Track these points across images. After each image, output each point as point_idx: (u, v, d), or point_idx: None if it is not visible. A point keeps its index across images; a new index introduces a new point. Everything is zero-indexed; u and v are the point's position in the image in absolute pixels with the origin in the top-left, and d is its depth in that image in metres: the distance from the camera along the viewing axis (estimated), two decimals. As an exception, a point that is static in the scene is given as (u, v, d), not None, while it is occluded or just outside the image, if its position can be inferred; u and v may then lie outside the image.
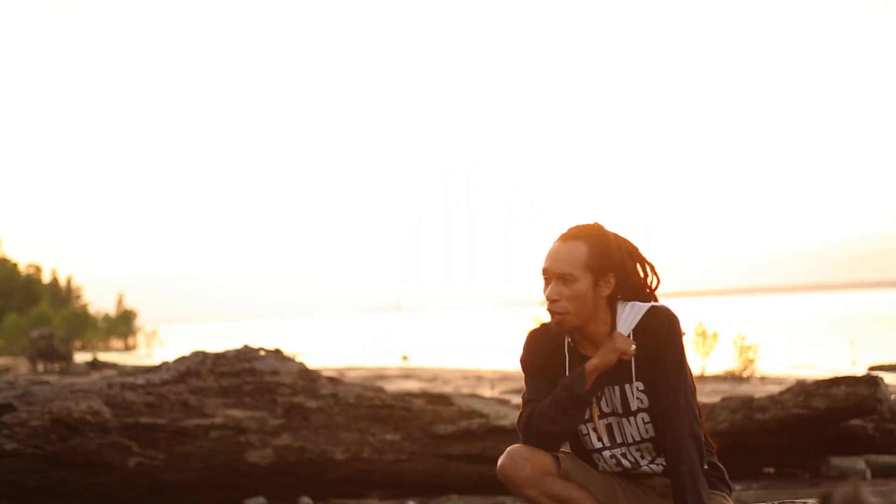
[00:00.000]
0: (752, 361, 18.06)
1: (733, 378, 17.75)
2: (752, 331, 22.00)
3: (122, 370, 26.85)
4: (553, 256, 3.37)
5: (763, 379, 17.52)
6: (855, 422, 6.84)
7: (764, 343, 19.53)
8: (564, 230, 3.43)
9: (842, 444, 6.87)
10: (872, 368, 18.35)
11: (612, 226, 3.47)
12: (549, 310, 3.37)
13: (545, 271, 3.38)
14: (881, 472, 6.70)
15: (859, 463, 6.71)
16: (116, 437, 6.68)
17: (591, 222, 3.43)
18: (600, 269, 3.35)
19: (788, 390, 6.85)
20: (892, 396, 6.94)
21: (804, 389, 6.74)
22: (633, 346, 3.30)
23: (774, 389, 13.75)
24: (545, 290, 3.39)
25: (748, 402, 6.89)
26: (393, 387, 16.88)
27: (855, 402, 6.50)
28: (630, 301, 3.42)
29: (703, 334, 19.34)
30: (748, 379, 17.57)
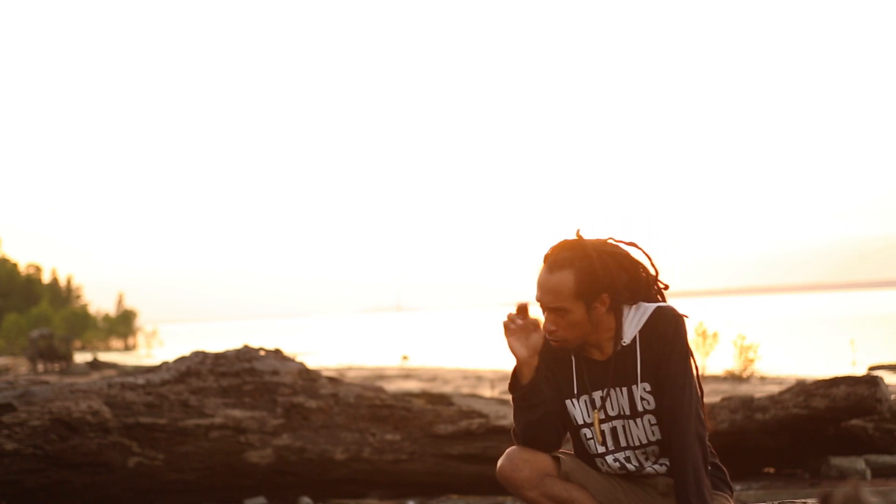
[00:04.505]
0: (752, 361, 18.03)
1: (733, 378, 17.73)
2: (752, 331, 21.98)
3: (122, 370, 26.80)
4: (542, 289, 3.37)
5: (763, 379, 17.49)
6: (855, 422, 6.84)
7: (764, 343, 19.50)
8: (548, 252, 3.39)
9: (842, 444, 6.86)
10: (872, 368, 18.34)
11: (595, 232, 3.42)
12: (549, 338, 3.41)
13: (538, 301, 3.41)
14: (881, 472, 6.70)
15: (859, 463, 6.70)
16: (116, 437, 6.68)
17: (572, 239, 3.39)
18: (591, 295, 3.34)
19: (788, 390, 6.84)
20: (892, 396, 6.93)
21: (804, 389, 6.73)
22: (508, 314, 3.35)
23: (774, 389, 13.74)
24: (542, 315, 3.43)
25: (748, 402, 6.88)
26: (393, 387, 16.86)
27: (855, 402, 6.50)
28: (636, 302, 3.43)
29: (703, 334, 19.32)
30: (748, 379, 17.55)
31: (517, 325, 3.35)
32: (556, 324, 3.36)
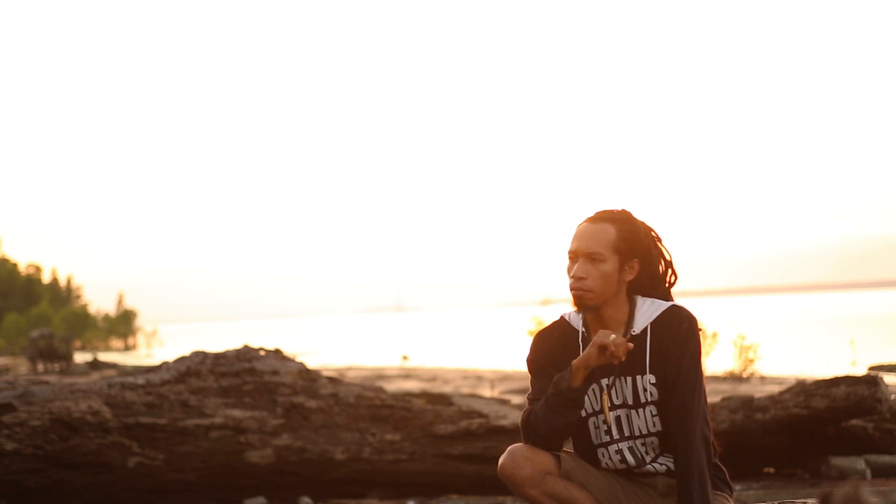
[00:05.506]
0: (752, 361, 18.02)
1: (733, 378, 17.73)
2: (752, 331, 21.98)
3: (122, 370, 26.80)
4: (582, 236, 3.43)
5: (763, 379, 17.50)
6: (855, 422, 6.84)
7: (764, 343, 19.50)
8: (592, 213, 3.48)
9: (842, 444, 6.87)
10: (872, 368, 18.33)
11: (640, 214, 3.54)
12: (573, 287, 3.41)
13: (572, 251, 3.43)
14: (881, 472, 6.70)
15: (859, 463, 6.71)
16: (116, 437, 6.68)
17: (620, 208, 3.49)
18: (627, 253, 3.41)
19: (788, 390, 6.85)
20: (892, 396, 6.93)
21: (804, 389, 6.74)
22: (613, 336, 3.28)
23: (774, 389, 13.74)
24: (570, 269, 3.43)
25: (748, 402, 6.89)
26: (393, 387, 16.86)
27: (855, 402, 6.50)
28: (650, 297, 3.47)
29: (703, 334, 19.32)
30: (748, 379, 17.55)
31: (617, 343, 3.29)
32: (587, 272, 3.38)
